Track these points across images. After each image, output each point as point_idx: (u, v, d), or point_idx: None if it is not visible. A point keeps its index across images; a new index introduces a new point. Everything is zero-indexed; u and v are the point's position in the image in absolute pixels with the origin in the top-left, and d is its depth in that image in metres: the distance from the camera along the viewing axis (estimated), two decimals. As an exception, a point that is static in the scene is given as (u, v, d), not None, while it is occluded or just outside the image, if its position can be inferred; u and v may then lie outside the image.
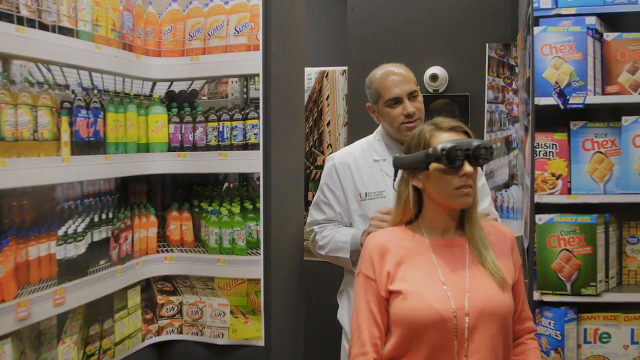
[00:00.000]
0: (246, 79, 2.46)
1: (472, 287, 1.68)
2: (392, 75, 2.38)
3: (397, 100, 2.34)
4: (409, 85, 2.36)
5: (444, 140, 1.71)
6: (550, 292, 2.40)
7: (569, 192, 2.45)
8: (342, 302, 2.47)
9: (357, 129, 3.33)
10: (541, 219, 2.42)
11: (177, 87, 2.55)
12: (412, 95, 2.35)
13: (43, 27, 1.92)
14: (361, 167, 2.44)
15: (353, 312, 1.80)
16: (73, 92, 2.06)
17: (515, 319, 1.79)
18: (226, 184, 2.53)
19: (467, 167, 1.68)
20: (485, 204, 2.45)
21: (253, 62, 2.44)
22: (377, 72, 2.42)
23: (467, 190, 1.70)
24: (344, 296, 2.47)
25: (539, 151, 2.46)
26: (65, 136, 2.02)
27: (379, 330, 1.73)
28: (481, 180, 2.50)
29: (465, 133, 1.76)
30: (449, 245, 1.76)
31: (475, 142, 1.69)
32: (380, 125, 2.49)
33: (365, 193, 2.38)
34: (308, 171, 3.98)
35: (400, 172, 1.83)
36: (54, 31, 1.96)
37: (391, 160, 2.45)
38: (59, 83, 2.00)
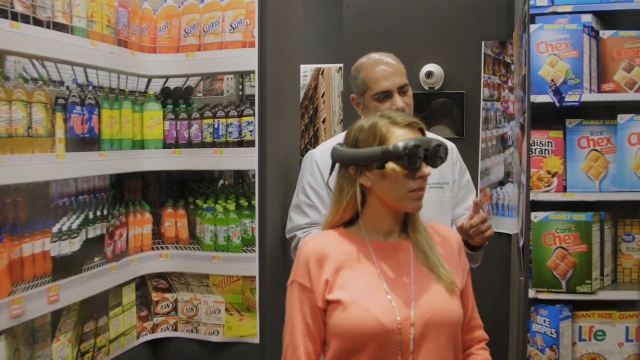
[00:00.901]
0: (242, 75, 2.46)
1: (417, 294, 1.55)
2: (382, 65, 2.24)
3: (386, 94, 2.21)
4: (399, 78, 2.23)
5: (400, 137, 1.56)
6: (546, 289, 2.41)
7: (564, 189, 2.45)
8: None
9: (352, 126, 3.33)
10: (536, 216, 2.42)
11: (172, 84, 2.54)
12: (402, 90, 2.22)
13: (37, 22, 1.91)
14: None
15: (286, 324, 1.64)
16: (68, 88, 2.05)
17: (464, 327, 1.66)
18: (221, 181, 2.53)
19: (425, 169, 1.55)
20: (469, 201, 2.40)
21: (248, 59, 2.43)
22: (365, 61, 2.29)
23: (422, 193, 1.58)
24: None
25: (535, 149, 2.46)
26: (60, 133, 2.01)
27: (315, 344, 1.59)
28: (465, 177, 2.44)
29: (421, 130, 1.62)
30: (393, 249, 1.62)
31: (434, 142, 1.56)
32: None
33: None
34: (303, 168, 3.98)
35: (337, 167, 1.66)
36: (48, 27, 1.95)
37: None
38: (54, 79, 1.99)
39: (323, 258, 1.60)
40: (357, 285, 1.57)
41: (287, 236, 2.38)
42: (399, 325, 1.51)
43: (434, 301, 1.55)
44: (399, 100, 2.21)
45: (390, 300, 1.54)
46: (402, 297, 1.55)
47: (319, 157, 2.32)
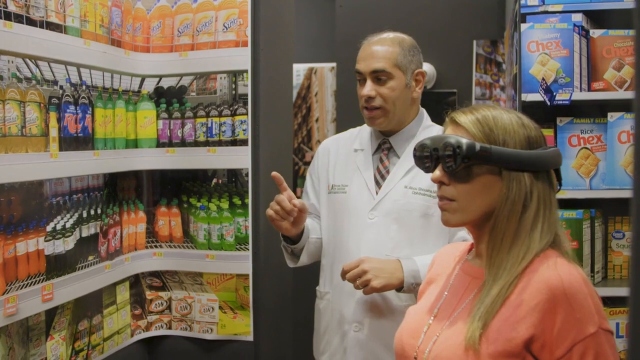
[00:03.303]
0: (235, 75, 2.47)
1: (447, 329, 1.37)
2: (370, 45, 2.08)
3: (362, 76, 2.06)
4: (377, 63, 2.01)
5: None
6: (537, 286, 2.42)
7: (555, 187, 2.47)
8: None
9: (345, 126, 3.33)
10: (528, 214, 2.43)
11: (165, 83, 2.54)
12: (377, 77, 2.02)
13: (31, 22, 1.91)
14: (340, 154, 2.21)
15: None
16: (61, 87, 2.06)
17: None
18: (215, 180, 2.53)
19: (436, 172, 1.35)
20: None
21: (241, 58, 2.44)
22: (367, 38, 2.16)
23: (442, 202, 1.37)
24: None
25: (526, 147, 2.47)
26: (54, 132, 2.01)
27: None
28: None
29: (459, 125, 1.37)
30: (470, 273, 1.43)
31: (444, 139, 1.33)
32: None
33: (332, 185, 2.15)
34: (297, 167, 3.99)
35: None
36: (42, 27, 1.96)
37: (369, 151, 2.17)
38: (47, 79, 2.00)
39: (432, 266, 1.58)
40: (424, 301, 1.50)
41: None
42: (416, 353, 1.39)
43: (446, 342, 1.35)
44: (367, 87, 2.02)
45: (426, 324, 1.41)
46: (438, 326, 1.39)
47: (323, 144, 2.30)
